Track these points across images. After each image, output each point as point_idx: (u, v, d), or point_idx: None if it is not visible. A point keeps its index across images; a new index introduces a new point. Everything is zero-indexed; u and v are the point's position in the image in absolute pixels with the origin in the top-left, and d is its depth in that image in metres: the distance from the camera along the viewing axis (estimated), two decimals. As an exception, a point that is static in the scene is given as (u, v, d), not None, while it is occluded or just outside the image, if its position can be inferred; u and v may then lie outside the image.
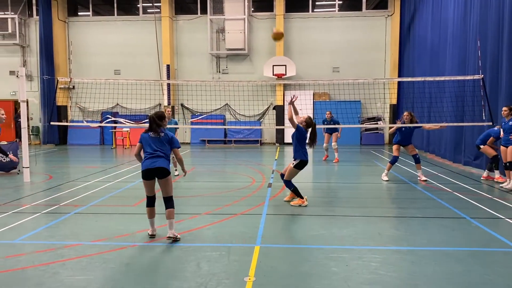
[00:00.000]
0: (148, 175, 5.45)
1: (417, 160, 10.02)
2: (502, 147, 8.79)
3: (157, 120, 5.45)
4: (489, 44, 10.45)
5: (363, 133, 20.08)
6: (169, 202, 5.51)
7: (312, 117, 13.49)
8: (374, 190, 9.28)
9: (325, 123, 13.46)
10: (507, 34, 9.56)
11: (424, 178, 9.86)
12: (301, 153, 7.34)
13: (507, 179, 8.74)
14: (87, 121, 20.29)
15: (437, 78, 12.05)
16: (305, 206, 7.29)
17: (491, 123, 9.71)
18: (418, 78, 13.65)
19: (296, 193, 7.45)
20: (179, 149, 5.72)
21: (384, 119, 19.67)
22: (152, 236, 5.60)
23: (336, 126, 13.23)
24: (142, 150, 5.58)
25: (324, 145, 13.83)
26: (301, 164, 7.37)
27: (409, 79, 14.13)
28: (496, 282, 4.19)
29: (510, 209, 7.04)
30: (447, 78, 11.86)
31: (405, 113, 10.20)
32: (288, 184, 7.54)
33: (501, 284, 4.15)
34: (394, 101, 19.63)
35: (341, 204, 7.76)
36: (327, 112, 13.63)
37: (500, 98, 9.93)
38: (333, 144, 13.64)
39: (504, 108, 8.82)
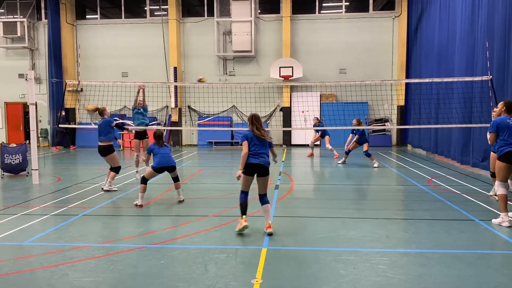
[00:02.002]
0: (164, 170, 7.86)
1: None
2: (493, 154, 7.59)
3: (162, 137, 7.98)
4: (496, 45, 10.37)
5: (370, 134, 19.99)
6: (177, 179, 8.05)
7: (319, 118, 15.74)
8: (381, 192, 9.24)
9: (315, 127, 15.63)
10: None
11: (376, 165, 12.52)
12: (251, 157, 5.91)
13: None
14: (95, 124, 20.36)
15: (445, 79, 11.97)
16: (242, 228, 5.83)
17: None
18: (426, 79, 13.57)
19: (240, 208, 5.97)
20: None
21: (391, 121, 19.58)
22: (140, 206, 7.55)
23: (320, 128, 15.19)
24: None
25: (310, 143, 16.36)
26: (247, 168, 5.89)
27: (417, 80, 14.04)
28: (508, 286, 4.14)
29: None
30: (455, 79, 11.77)
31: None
32: (240, 195, 6.07)
33: None
34: (402, 103, 19.54)
35: (349, 206, 7.72)
36: (314, 118, 15.89)
37: (506, 98, 9.81)
38: (327, 146, 15.27)
39: (494, 109, 7.84)
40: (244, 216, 5.91)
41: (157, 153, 7.84)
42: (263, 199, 6.00)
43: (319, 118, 15.94)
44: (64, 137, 20.24)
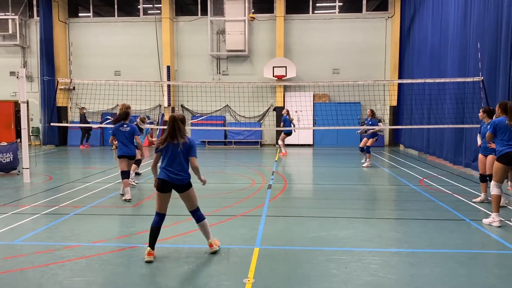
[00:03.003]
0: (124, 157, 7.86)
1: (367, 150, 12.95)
2: (480, 156, 7.68)
3: (124, 117, 7.82)
4: (486, 46, 10.45)
5: (363, 134, 20.03)
6: (127, 175, 7.96)
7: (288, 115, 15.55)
8: (373, 191, 9.28)
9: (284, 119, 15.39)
10: (504, 36, 9.56)
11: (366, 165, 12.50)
12: (160, 170, 4.93)
13: (482, 192, 7.81)
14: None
15: (437, 80, 12.04)
16: (147, 259, 4.73)
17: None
18: (418, 79, 13.64)
19: (149, 233, 4.88)
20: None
21: (384, 121, 19.66)
22: (129, 200, 7.78)
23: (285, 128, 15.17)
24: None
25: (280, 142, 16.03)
26: (158, 184, 4.89)
27: (409, 80, 14.11)
28: (499, 286, 4.17)
29: (509, 211, 7.03)
30: (447, 80, 11.85)
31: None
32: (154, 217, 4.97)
33: None
34: (394, 103, 19.62)
35: (341, 206, 7.75)
36: (285, 110, 15.79)
37: (497, 99, 9.87)
38: (279, 142, 15.86)
39: (481, 110, 7.80)
40: (149, 248, 4.76)
41: (118, 138, 7.80)
42: (195, 215, 5.00)
43: (289, 111, 15.67)
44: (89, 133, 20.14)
